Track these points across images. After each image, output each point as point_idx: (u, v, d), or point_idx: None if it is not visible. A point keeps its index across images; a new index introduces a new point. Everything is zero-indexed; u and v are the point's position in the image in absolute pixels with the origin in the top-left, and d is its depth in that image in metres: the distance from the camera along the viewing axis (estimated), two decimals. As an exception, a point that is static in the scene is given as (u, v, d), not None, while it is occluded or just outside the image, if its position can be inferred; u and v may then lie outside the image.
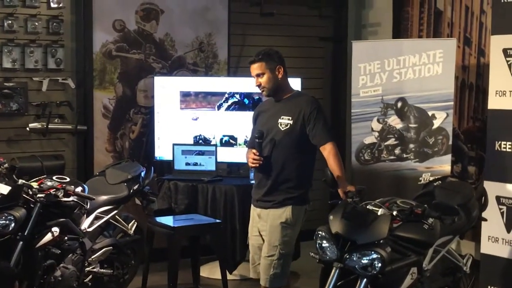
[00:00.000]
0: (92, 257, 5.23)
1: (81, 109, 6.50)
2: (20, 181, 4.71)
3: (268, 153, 4.69)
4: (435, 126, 6.13)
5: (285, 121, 4.68)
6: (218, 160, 6.35)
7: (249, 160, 4.73)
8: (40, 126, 6.28)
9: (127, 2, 6.62)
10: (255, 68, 4.72)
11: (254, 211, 4.87)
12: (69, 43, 6.46)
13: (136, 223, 5.70)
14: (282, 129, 4.68)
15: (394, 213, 4.13)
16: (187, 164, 6.38)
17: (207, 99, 6.54)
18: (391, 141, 6.33)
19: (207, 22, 6.98)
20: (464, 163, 6.51)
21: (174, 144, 6.40)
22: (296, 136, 4.66)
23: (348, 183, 4.60)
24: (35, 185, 4.74)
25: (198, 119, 6.55)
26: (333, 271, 4.02)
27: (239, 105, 6.48)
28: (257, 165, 4.68)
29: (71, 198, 4.77)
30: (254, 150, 4.70)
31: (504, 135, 5.48)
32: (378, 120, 6.37)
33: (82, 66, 6.51)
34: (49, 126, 6.29)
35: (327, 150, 4.62)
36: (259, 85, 4.74)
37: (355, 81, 6.45)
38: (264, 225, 4.75)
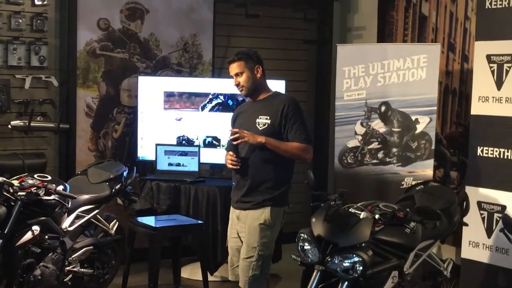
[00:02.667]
0: (73, 256, 5.20)
1: (64, 107, 6.46)
2: (1, 179, 4.67)
3: (246, 154, 4.69)
4: (418, 131, 6.15)
5: (262, 121, 4.69)
6: (201, 161, 6.34)
7: (227, 162, 4.74)
8: (22, 124, 6.24)
9: (112, 0, 6.59)
10: (234, 67, 4.74)
11: (233, 212, 4.87)
12: (53, 40, 6.43)
13: (117, 223, 5.67)
14: (260, 129, 4.68)
15: (376, 216, 4.14)
16: (170, 164, 6.36)
17: (191, 99, 6.52)
18: (374, 145, 6.34)
19: (192, 23, 6.97)
20: (446, 168, 6.54)
21: (157, 144, 6.38)
22: (274, 136, 4.66)
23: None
24: (16, 183, 4.71)
25: (182, 120, 6.54)
26: (314, 273, 4.03)
27: (223, 106, 6.47)
28: (237, 167, 4.68)
29: (52, 197, 4.74)
30: (231, 152, 4.70)
31: (486, 140, 5.51)
32: (361, 124, 6.38)
33: (66, 64, 6.48)
34: (31, 124, 6.25)
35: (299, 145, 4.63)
36: (237, 84, 4.76)
37: (339, 85, 6.46)
38: (243, 226, 4.74)
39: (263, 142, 4.59)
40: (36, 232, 4.67)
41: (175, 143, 6.48)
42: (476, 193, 5.51)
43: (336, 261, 3.98)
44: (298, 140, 4.64)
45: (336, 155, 6.50)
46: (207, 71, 7.06)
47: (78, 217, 5.24)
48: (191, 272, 6.39)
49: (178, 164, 6.35)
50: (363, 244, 4.00)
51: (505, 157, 5.38)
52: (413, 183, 5.80)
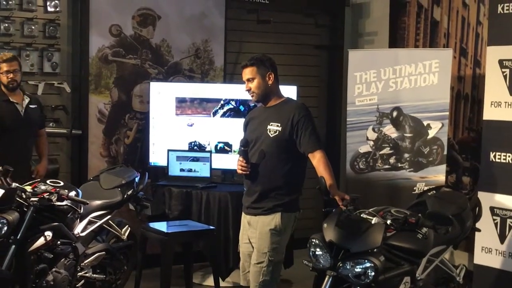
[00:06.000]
0: (85, 262, 5.21)
1: (76, 113, 6.49)
2: (14, 185, 4.69)
3: (257, 160, 4.68)
4: (430, 136, 6.14)
5: (274, 128, 4.68)
6: (213, 166, 6.34)
7: (237, 168, 4.74)
8: (35, 129, 6.27)
9: (124, 7, 6.62)
10: (246, 72, 4.74)
11: (244, 218, 4.87)
12: (65, 47, 6.46)
13: (129, 228, 5.69)
14: (271, 136, 4.67)
15: (388, 222, 4.12)
16: (182, 170, 6.37)
17: (203, 105, 6.54)
18: (386, 150, 6.33)
19: (204, 29, 6.98)
20: (458, 174, 6.52)
21: (169, 150, 6.39)
22: (284, 143, 4.65)
23: (342, 191, 4.58)
24: (28, 188, 4.72)
25: (193, 125, 6.55)
26: (326, 279, 4.01)
27: (235, 112, 6.48)
28: (246, 172, 4.69)
29: (64, 202, 4.75)
30: (241, 158, 4.70)
31: (498, 146, 5.49)
32: (373, 129, 6.38)
33: (78, 71, 6.51)
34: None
35: (317, 158, 4.60)
36: (248, 90, 4.75)
37: (351, 90, 6.46)
38: (254, 232, 4.74)
39: (337, 195, 4.45)
40: (48, 238, 4.68)
41: (186, 148, 6.49)
42: (489, 199, 5.49)
43: (347, 267, 3.96)
44: (312, 148, 4.62)
45: (348, 161, 6.50)
46: (218, 77, 7.07)
47: (90, 222, 5.25)
48: (203, 277, 6.39)
49: (190, 170, 6.36)
50: (375, 250, 3.99)
51: (518, 162, 5.37)
52: (425, 188, 5.79)
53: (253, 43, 7.25)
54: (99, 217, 5.33)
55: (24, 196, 4.64)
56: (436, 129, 6.11)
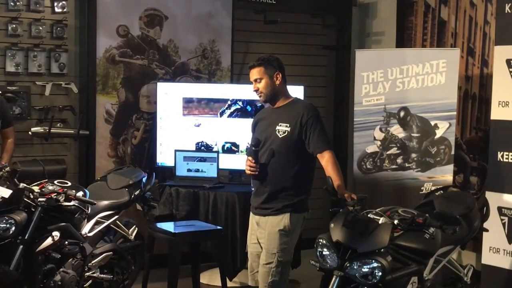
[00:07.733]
0: (92, 262, 5.22)
1: (84, 114, 6.50)
2: (22, 185, 4.70)
3: (266, 160, 4.69)
4: (437, 136, 6.13)
5: (282, 128, 4.68)
6: (220, 167, 6.35)
7: (246, 168, 4.74)
8: (42, 130, 6.29)
9: (131, 7, 6.63)
10: (254, 73, 4.75)
11: (253, 218, 4.87)
12: (73, 47, 6.47)
13: (136, 228, 5.69)
14: (280, 136, 4.68)
15: (395, 222, 4.12)
16: (189, 170, 6.38)
17: (210, 105, 6.54)
18: (393, 150, 6.32)
19: (211, 29, 6.99)
20: (466, 173, 6.50)
21: (176, 150, 6.40)
22: (293, 143, 4.66)
23: (349, 191, 4.57)
24: (36, 189, 4.74)
25: (201, 126, 6.55)
26: (333, 279, 4.01)
27: (242, 112, 6.48)
28: (255, 173, 4.69)
29: (72, 203, 4.76)
30: (250, 158, 4.70)
31: (506, 145, 5.48)
32: (380, 129, 6.37)
33: (85, 71, 6.52)
34: (51, 130, 6.29)
35: (325, 159, 4.60)
36: (256, 90, 4.76)
37: (358, 90, 6.45)
38: (263, 232, 4.74)
39: (346, 194, 4.45)
40: (56, 238, 4.69)
41: (194, 149, 6.50)
42: (497, 199, 5.48)
43: (355, 267, 3.96)
44: (321, 148, 4.62)
45: (355, 161, 6.49)
46: (225, 77, 7.08)
47: (97, 223, 5.26)
48: (210, 278, 6.39)
49: (197, 170, 6.36)
50: (382, 250, 3.99)
51: (526, 162, 5.35)
52: (433, 188, 5.78)
53: (260, 44, 7.25)
54: (107, 217, 5.34)
55: (31, 197, 4.66)
56: (444, 129, 6.10)
